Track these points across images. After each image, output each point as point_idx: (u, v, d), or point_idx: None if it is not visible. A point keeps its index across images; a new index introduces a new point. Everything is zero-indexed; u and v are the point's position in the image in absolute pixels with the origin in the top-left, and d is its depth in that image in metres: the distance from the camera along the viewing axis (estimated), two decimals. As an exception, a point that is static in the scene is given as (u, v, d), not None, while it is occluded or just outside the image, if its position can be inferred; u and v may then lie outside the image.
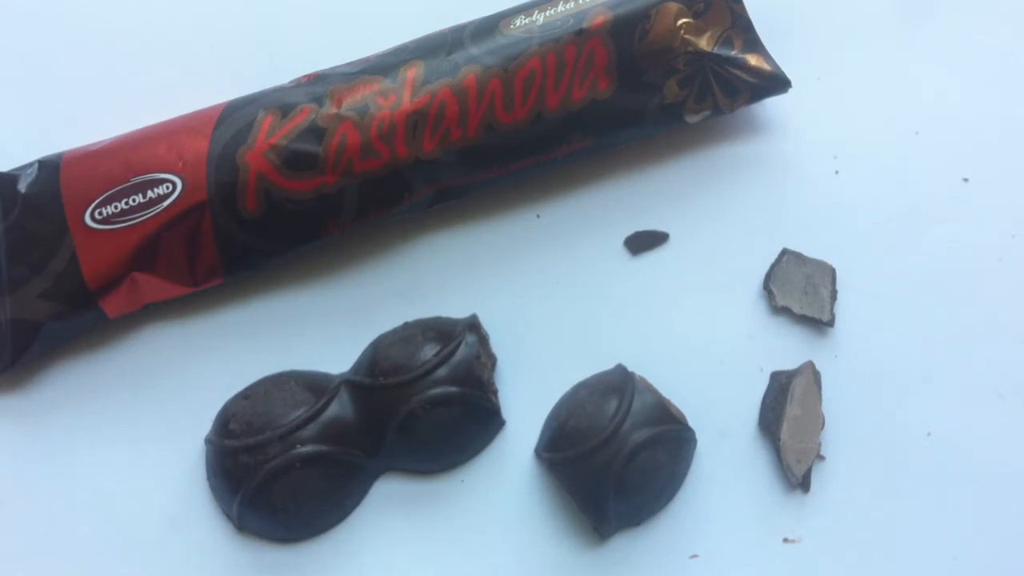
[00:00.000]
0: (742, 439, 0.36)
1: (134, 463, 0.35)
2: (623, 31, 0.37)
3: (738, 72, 0.38)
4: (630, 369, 0.35)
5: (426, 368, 0.34)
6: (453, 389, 0.34)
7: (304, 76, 0.37)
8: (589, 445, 0.33)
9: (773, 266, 0.38)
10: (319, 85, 0.36)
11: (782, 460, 0.35)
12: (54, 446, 0.35)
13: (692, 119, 0.39)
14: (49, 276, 0.35)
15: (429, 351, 0.34)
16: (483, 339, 0.36)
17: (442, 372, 0.34)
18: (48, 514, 0.35)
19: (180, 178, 0.35)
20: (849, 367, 0.37)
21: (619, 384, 0.34)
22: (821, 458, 0.36)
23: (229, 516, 0.35)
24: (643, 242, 0.39)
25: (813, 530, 0.35)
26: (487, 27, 0.37)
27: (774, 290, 0.38)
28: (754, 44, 0.39)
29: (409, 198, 0.37)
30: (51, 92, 0.40)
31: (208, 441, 0.34)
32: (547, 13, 0.37)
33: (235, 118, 0.35)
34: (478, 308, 0.37)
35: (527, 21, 0.37)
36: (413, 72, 0.36)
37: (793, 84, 0.39)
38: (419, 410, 0.34)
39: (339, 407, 0.34)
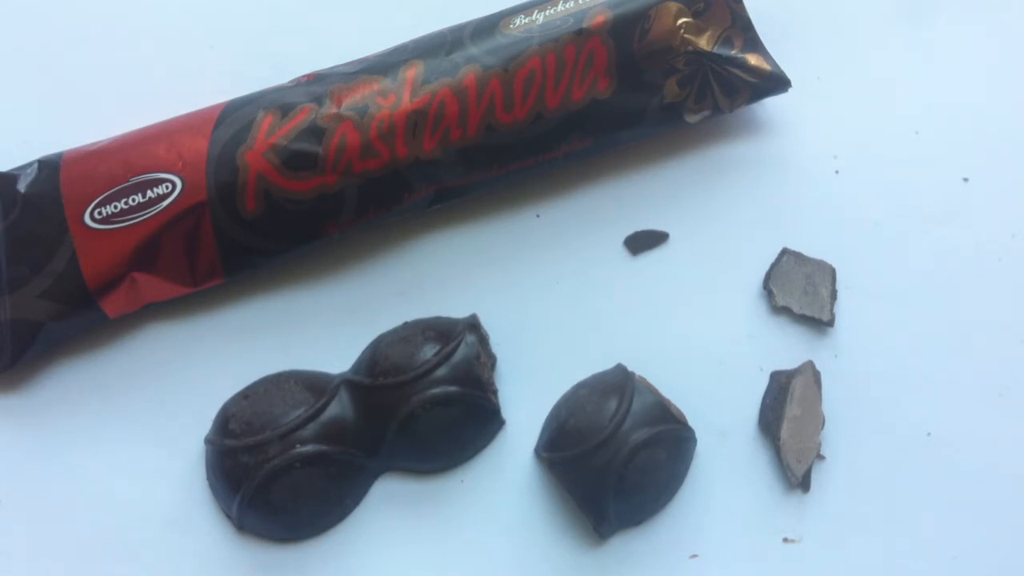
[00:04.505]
0: (742, 439, 0.36)
1: (134, 463, 0.35)
2: (623, 31, 0.37)
3: (738, 72, 0.38)
4: (630, 369, 0.35)
5: (426, 368, 0.34)
6: (453, 389, 0.34)
7: (304, 76, 0.37)
8: (589, 445, 0.33)
9: (773, 266, 0.38)
10: (319, 85, 0.36)
11: (782, 460, 0.35)
12: (54, 446, 0.35)
13: (692, 119, 0.39)
14: (49, 276, 0.35)
15: (429, 351, 0.34)
16: (483, 339, 0.36)
17: (442, 372, 0.34)
18: (48, 514, 0.35)
19: (180, 178, 0.35)
20: (849, 367, 0.37)
21: (619, 384, 0.34)
22: (821, 458, 0.36)
23: (229, 516, 0.35)
24: (643, 242, 0.39)
25: (813, 530, 0.35)
26: (487, 27, 0.37)
27: (774, 290, 0.38)
28: (754, 44, 0.39)
29: (409, 198, 0.37)
30: (51, 92, 0.40)
31: (208, 441, 0.34)
32: (547, 13, 0.37)
33: (235, 118, 0.36)
34: (478, 308, 0.37)
35: (527, 21, 0.37)
36: (413, 72, 0.36)
37: (793, 84, 0.39)
38: (419, 410, 0.34)
39: (339, 407, 0.34)
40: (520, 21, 0.37)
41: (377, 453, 0.34)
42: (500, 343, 0.37)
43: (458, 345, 0.34)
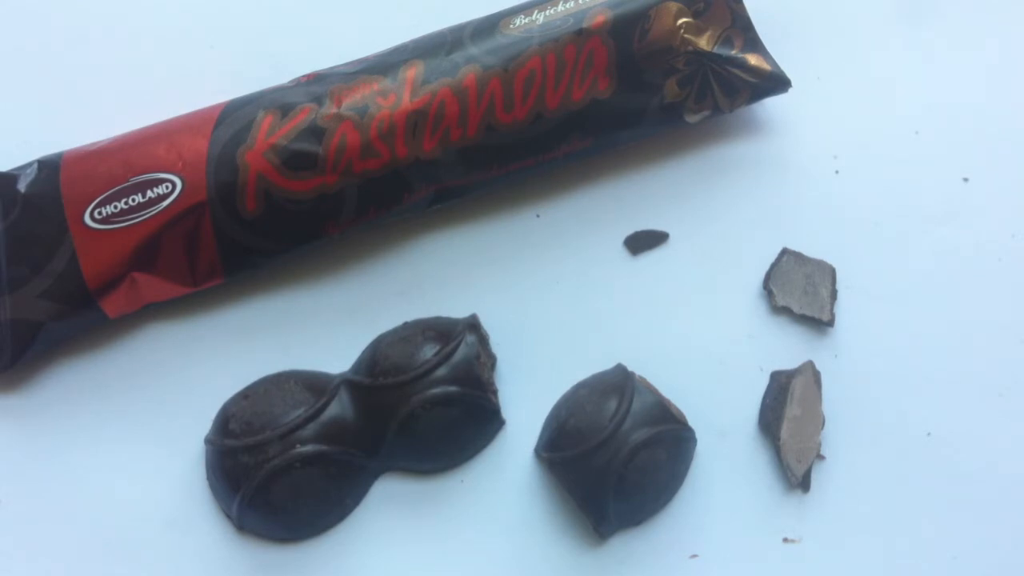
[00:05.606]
0: (742, 439, 0.36)
1: (134, 463, 0.35)
2: (623, 31, 0.37)
3: (738, 72, 0.38)
4: (630, 369, 0.35)
5: (426, 368, 0.34)
6: (453, 389, 0.34)
7: (304, 76, 0.37)
8: (589, 445, 0.33)
9: (773, 266, 0.38)
10: (319, 85, 0.36)
11: (782, 460, 0.35)
12: (54, 446, 0.35)
13: (692, 119, 0.39)
14: (49, 276, 0.35)
15: (429, 351, 0.34)
16: (483, 339, 0.36)
17: (442, 372, 0.34)
18: (48, 514, 0.35)
19: (180, 178, 0.35)
20: (849, 367, 0.37)
21: (619, 384, 0.34)
22: (821, 458, 0.36)
23: (229, 516, 0.35)
24: (643, 242, 0.39)
25: (813, 530, 0.35)
26: (487, 27, 0.37)
27: (774, 290, 0.38)
28: (754, 44, 0.39)
29: (409, 198, 0.37)
30: (51, 92, 0.40)
31: (208, 441, 0.34)
32: (547, 13, 0.37)
33: (235, 118, 0.36)
34: (478, 308, 0.37)
35: (527, 21, 0.37)
36: (413, 72, 0.36)
37: (793, 84, 0.39)
38: (419, 410, 0.34)
39: (339, 407, 0.34)
40: (520, 21, 0.37)
41: (377, 453, 0.34)
42: (500, 343, 0.37)
43: (458, 345, 0.34)
